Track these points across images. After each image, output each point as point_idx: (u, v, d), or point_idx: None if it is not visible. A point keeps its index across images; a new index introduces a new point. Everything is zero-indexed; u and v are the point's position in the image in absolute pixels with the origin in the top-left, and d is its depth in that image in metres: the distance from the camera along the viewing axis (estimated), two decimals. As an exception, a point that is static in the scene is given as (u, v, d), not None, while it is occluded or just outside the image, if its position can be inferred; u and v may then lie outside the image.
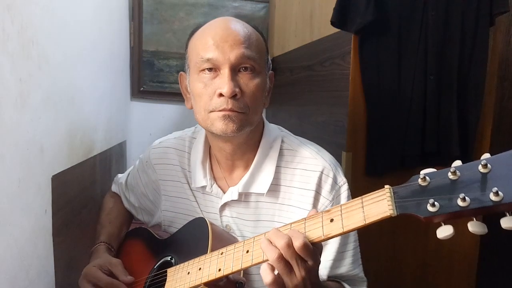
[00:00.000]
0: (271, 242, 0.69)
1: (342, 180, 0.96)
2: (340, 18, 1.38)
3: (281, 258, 0.68)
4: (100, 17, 1.56)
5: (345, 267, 0.96)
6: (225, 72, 0.86)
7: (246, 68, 0.88)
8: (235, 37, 0.87)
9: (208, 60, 0.86)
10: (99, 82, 1.52)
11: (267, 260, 0.70)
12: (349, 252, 0.96)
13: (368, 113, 1.43)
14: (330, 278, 0.96)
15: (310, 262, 0.69)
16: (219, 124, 0.87)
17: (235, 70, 0.87)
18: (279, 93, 2.25)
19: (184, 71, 0.98)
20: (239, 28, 0.89)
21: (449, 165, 0.57)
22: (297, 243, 0.67)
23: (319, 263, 0.72)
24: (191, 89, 0.93)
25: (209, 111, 0.88)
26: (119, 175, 1.29)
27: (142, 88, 2.46)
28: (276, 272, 0.70)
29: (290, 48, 2.14)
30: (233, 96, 0.85)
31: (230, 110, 0.86)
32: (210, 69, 0.87)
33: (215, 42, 0.86)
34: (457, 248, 1.55)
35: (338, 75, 1.53)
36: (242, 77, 0.88)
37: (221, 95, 0.85)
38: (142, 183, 1.14)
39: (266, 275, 0.70)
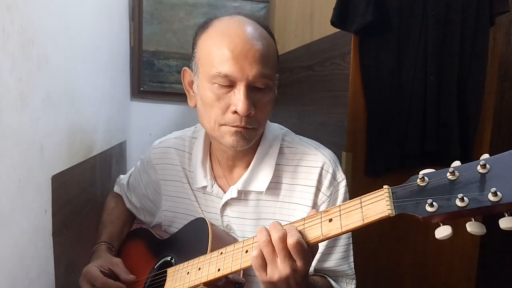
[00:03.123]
0: (267, 231, 0.71)
1: (341, 176, 0.97)
2: (340, 18, 1.39)
3: (269, 243, 0.69)
4: (100, 17, 1.56)
5: (332, 262, 0.96)
6: (241, 89, 0.83)
7: (261, 87, 0.86)
8: (255, 54, 0.83)
9: (226, 76, 0.83)
10: (99, 82, 1.53)
11: None
12: (339, 248, 0.97)
13: (368, 113, 1.43)
14: (316, 271, 0.97)
15: (298, 263, 0.69)
16: (229, 139, 0.87)
17: (250, 87, 0.84)
18: (279, 93, 2.24)
19: (189, 67, 0.95)
20: (258, 40, 0.85)
21: (449, 165, 0.57)
22: (290, 240, 0.67)
23: (309, 265, 0.72)
24: (200, 95, 0.90)
25: (220, 124, 0.87)
26: (121, 176, 1.29)
27: (142, 88, 2.46)
28: None
29: (290, 48, 2.14)
30: (247, 115, 0.84)
31: (243, 127, 0.86)
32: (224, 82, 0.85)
33: (234, 56, 0.82)
34: (457, 249, 1.55)
35: (338, 75, 1.53)
36: (256, 93, 0.86)
37: (235, 112, 0.84)
38: (143, 184, 1.14)
39: (254, 249, 0.71)
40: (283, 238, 0.68)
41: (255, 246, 0.72)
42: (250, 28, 0.86)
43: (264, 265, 0.71)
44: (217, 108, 0.86)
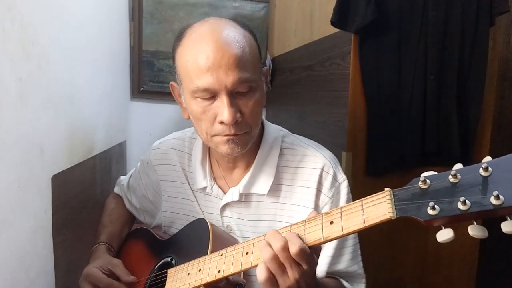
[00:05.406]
0: (269, 243, 0.69)
1: (342, 177, 0.96)
2: (340, 18, 1.38)
3: (275, 259, 0.68)
4: (100, 17, 1.56)
5: (343, 264, 0.96)
6: (223, 98, 0.82)
7: (243, 92, 0.84)
8: (229, 60, 0.80)
9: (205, 90, 0.82)
10: (99, 82, 1.53)
11: None
12: (348, 249, 0.96)
13: (368, 113, 1.43)
14: (329, 274, 0.96)
15: (305, 266, 0.69)
16: (223, 148, 0.87)
17: (232, 93, 0.83)
18: (279, 93, 2.25)
19: (174, 81, 0.94)
20: (231, 45, 0.82)
21: (449, 165, 0.57)
22: (293, 249, 0.67)
23: (316, 265, 0.72)
24: (188, 109, 0.90)
25: (211, 135, 0.87)
26: (122, 177, 1.29)
27: (142, 88, 2.46)
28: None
29: (290, 48, 2.14)
30: (235, 122, 0.83)
31: (234, 134, 0.85)
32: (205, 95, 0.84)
33: (208, 68, 0.80)
34: (457, 250, 1.55)
35: (338, 75, 1.53)
36: (241, 98, 0.84)
37: (222, 122, 0.83)
38: (143, 185, 1.14)
39: (260, 273, 0.70)
40: (285, 247, 0.67)
41: (260, 270, 0.70)
42: (222, 34, 0.83)
43: (274, 282, 0.70)
44: (205, 121, 0.86)
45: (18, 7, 0.82)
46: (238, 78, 0.81)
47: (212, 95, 0.83)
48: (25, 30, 0.85)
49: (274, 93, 2.33)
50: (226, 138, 0.85)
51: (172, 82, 0.96)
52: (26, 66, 0.86)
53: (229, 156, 0.90)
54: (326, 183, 0.94)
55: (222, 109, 0.82)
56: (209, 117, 0.85)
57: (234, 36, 0.84)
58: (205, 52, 0.81)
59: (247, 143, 0.88)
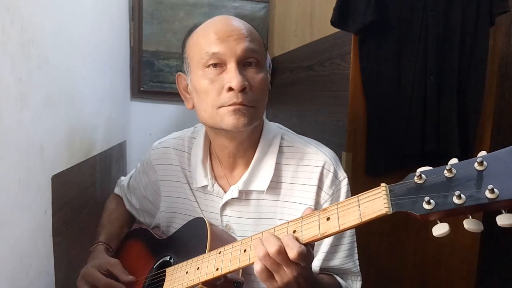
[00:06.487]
0: (264, 246, 0.69)
1: (342, 175, 0.97)
2: (340, 18, 1.39)
3: (271, 260, 0.68)
4: (100, 17, 1.57)
5: (338, 260, 0.96)
6: (232, 66, 0.85)
7: (251, 63, 0.88)
8: (239, 32, 0.87)
9: (214, 54, 0.86)
10: (99, 82, 1.53)
11: None
12: (343, 246, 0.96)
13: (368, 113, 1.43)
14: (322, 269, 0.96)
15: (302, 264, 0.68)
16: (229, 119, 0.86)
17: (240, 65, 0.87)
18: (279, 93, 2.25)
19: (182, 72, 0.97)
20: (241, 23, 0.90)
21: (449, 165, 0.57)
22: (291, 254, 0.66)
23: (313, 258, 0.72)
24: (195, 87, 0.91)
25: (217, 107, 0.87)
26: (122, 178, 1.29)
27: (142, 88, 2.46)
28: None
29: (290, 48, 2.14)
30: (243, 90, 0.85)
31: (240, 104, 0.85)
32: (215, 65, 0.87)
33: (219, 37, 0.86)
34: (457, 249, 1.55)
35: (338, 75, 1.53)
36: (248, 71, 0.88)
37: (230, 89, 0.85)
38: (142, 185, 1.14)
39: (256, 264, 0.70)
40: (281, 251, 0.67)
41: (258, 267, 0.70)
42: (233, 18, 0.92)
43: (271, 275, 0.70)
44: (213, 91, 0.87)
45: (18, 7, 0.83)
46: (247, 46, 0.87)
47: (220, 63, 0.87)
48: (25, 30, 0.86)
49: (274, 93, 2.33)
50: (232, 107, 0.86)
51: (179, 73, 0.99)
52: (26, 66, 0.87)
53: (234, 130, 0.88)
54: (327, 181, 0.95)
55: (231, 76, 0.85)
56: (216, 87, 0.87)
57: (244, 22, 0.93)
58: (217, 26, 0.89)
59: (253, 118, 0.88)
